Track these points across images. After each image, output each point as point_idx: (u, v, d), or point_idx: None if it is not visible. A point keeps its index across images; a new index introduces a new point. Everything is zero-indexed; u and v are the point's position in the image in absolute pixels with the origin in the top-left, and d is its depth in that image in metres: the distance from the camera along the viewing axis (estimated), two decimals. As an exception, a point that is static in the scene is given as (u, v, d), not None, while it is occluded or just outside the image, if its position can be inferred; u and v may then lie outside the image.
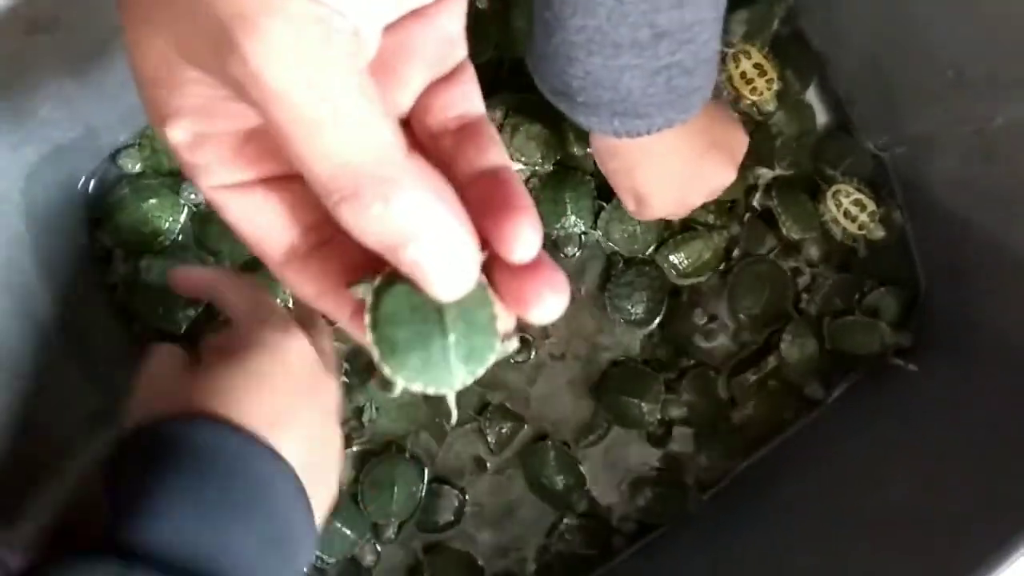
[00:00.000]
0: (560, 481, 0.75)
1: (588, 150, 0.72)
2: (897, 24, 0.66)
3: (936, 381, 0.70)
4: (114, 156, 0.70)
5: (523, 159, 0.73)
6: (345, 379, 0.73)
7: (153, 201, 0.70)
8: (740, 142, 0.69)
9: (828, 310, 0.76)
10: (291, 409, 0.45)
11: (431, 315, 0.28)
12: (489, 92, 0.58)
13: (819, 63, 0.77)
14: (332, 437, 0.48)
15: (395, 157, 0.26)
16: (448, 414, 0.39)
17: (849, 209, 0.74)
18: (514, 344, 0.30)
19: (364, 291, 0.29)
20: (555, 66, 0.55)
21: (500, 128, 0.73)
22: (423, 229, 0.26)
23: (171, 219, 0.71)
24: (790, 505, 0.71)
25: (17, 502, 0.53)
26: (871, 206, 0.74)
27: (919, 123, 0.71)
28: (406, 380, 0.29)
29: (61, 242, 0.65)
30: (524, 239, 0.27)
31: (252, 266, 0.71)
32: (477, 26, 0.57)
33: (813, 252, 0.77)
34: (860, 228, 0.74)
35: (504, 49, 0.74)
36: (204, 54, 0.26)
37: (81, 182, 0.70)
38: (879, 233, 0.75)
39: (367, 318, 0.28)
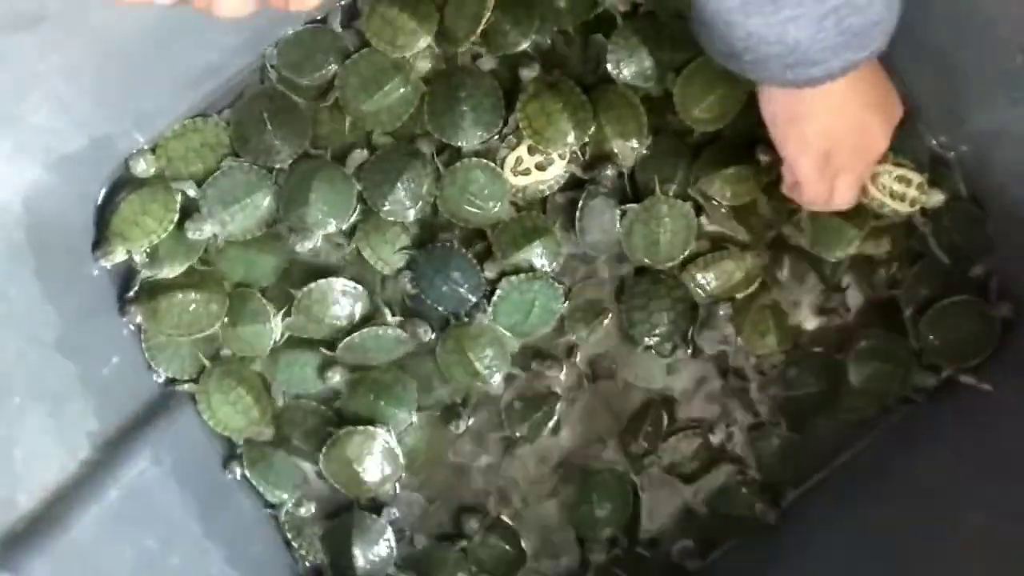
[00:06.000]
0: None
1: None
2: (962, 8, 0.62)
3: (1015, 400, 0.66)
4: (127, 160, 0.67)
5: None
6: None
7: (145, 190, 0.66)
8: (897, 108, 0.66)
9: (917, 301, 0.71)
10: None
11: None
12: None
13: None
14: None
15: None
16: None
17: (894, 189, 0.69)
18: None
19: None
20: (715, 31, 0.54)
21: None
22: None
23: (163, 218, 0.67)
24: (858, 527, 0.68)
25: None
26: (917, 178, 0.69)
27: (985, 116, 0.66)
28: None
29: (69, 256, 0.64)
30: None
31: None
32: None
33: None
34: (912, 204, 0.69)
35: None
36: None
37: (95, 195, 0.67)
38: (937, 197, 0.70)
39: None
